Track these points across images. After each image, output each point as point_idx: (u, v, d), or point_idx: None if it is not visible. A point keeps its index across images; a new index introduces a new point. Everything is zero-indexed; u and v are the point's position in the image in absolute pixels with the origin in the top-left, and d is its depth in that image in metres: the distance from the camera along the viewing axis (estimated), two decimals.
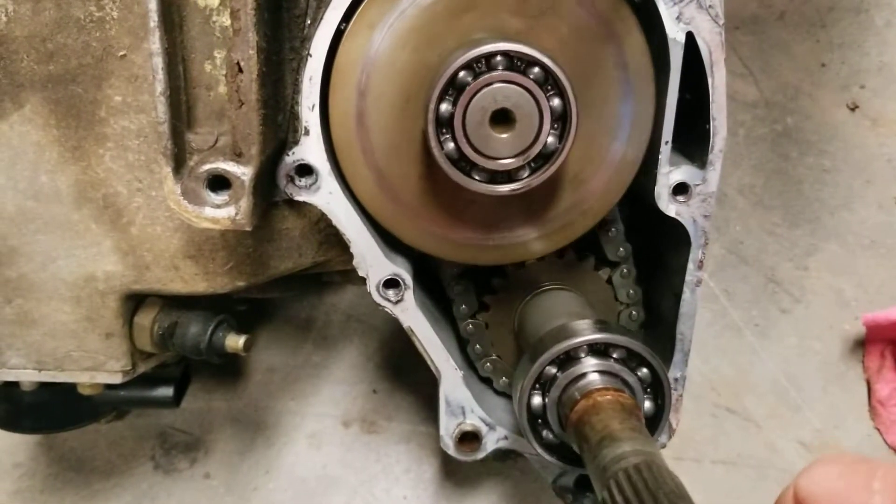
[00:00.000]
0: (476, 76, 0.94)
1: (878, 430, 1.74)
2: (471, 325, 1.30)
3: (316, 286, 1.70)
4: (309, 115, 1.05)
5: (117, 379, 1.19)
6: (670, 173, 1.10)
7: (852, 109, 1.82)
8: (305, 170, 1.07)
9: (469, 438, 1.23)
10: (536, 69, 0.94)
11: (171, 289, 1.14)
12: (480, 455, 1.23)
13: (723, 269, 1.80)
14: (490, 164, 0.97)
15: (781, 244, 1.80)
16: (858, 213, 1.80)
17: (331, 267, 1.26)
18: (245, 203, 0.97)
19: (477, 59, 0.93)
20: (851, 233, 1.80)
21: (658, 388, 1.05)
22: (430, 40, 1.03)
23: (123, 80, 1.02)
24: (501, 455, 1.26)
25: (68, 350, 1.16)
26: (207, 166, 0.97)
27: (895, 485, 0.65)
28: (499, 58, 0.94)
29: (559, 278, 1.28)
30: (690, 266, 1.15)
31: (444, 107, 0.95)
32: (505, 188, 0.99)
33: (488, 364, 1.31)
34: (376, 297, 1.14)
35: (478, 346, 1.30)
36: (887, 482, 0.65)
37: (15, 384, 1.25)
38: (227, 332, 1.21)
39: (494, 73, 0.93)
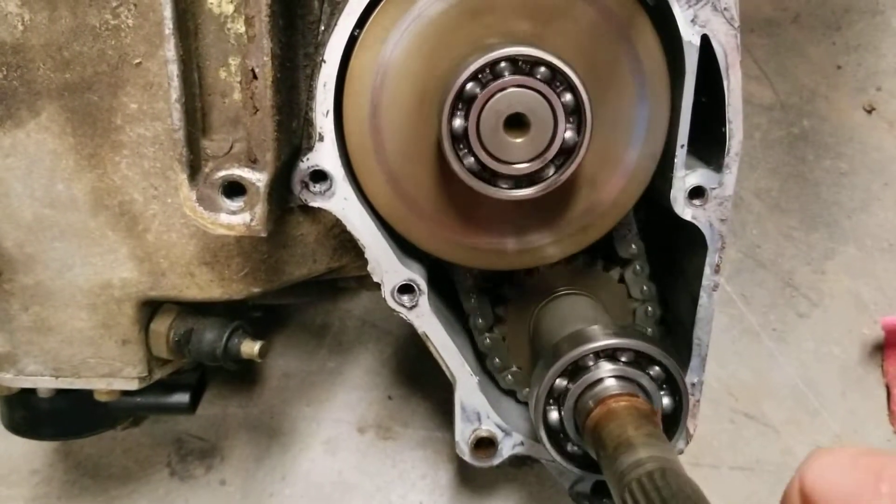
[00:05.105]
0: (483, 86, 0.93)
1: None
2: (488, 339, 1.29)
3: (331, 292, 1.69)
4: (323, 121, 1.05)
5: (133, 385, 1.20)
6: (686, 177, 1.09)
7: (869, 112, 1.81)
8: (320, 175, 1.07)
9: (485, 444, 1.22)
10: (542, 69, 0.93)
11: (186, 295, 1.14)
12: (496, 461, 1.23)
13: (740, 274, 1.79)
14: (511, 170, 0.96)
15: (799, 248, 1.79)
16: (876, 216, 1.79)
17: (346, 273, 1.26)
18: (260, 209, 0.98)
19: (481, 69, 0.92)
20: (869, 236, 1.78)
21: (673, 384, 1.04)
22: (440, 49, 1.03)
23: (139, 87, 1.02)
24: (517, 461, 1.26)
25: (85, 357, 1.17)
26: (223, 173, 0.97)
27: None
28: (503, 64, 0.93)
29: (572, 283, 1.28)
30: (707, 270, 1.14)
31: (458, 122, 0.94)
32: (530, 191, 0.98)
33: (509, 377, 1.31)
34: (391, 303, 1.14)
35: (497, 359, 1.30)
36: None
37: (32, 391, 1.25)
38: (243, 338, 1.21)
39: (501, 81, 0.93)
